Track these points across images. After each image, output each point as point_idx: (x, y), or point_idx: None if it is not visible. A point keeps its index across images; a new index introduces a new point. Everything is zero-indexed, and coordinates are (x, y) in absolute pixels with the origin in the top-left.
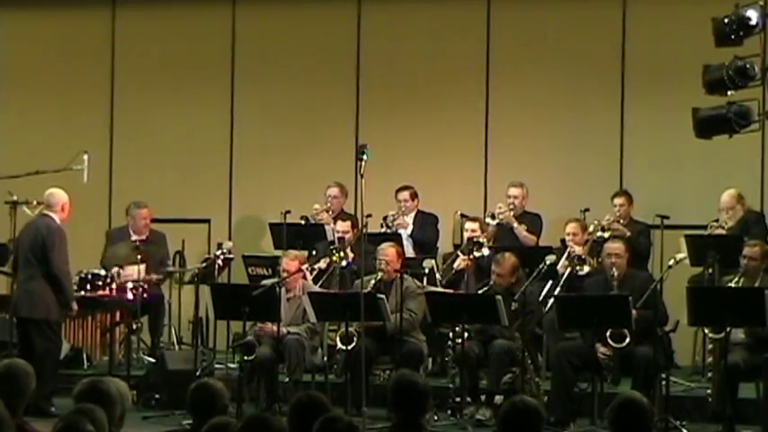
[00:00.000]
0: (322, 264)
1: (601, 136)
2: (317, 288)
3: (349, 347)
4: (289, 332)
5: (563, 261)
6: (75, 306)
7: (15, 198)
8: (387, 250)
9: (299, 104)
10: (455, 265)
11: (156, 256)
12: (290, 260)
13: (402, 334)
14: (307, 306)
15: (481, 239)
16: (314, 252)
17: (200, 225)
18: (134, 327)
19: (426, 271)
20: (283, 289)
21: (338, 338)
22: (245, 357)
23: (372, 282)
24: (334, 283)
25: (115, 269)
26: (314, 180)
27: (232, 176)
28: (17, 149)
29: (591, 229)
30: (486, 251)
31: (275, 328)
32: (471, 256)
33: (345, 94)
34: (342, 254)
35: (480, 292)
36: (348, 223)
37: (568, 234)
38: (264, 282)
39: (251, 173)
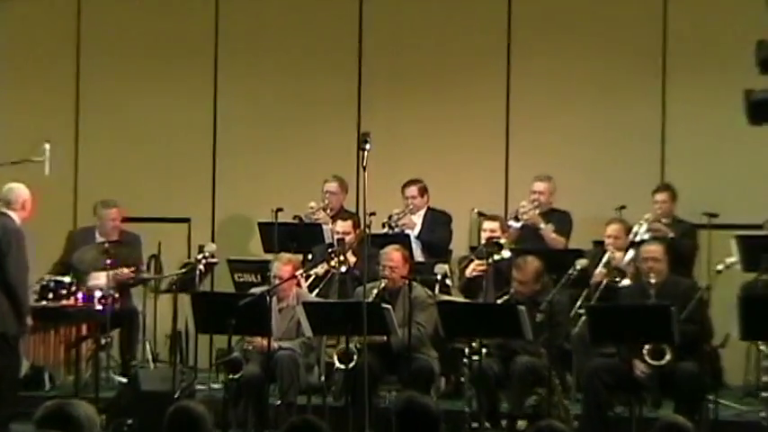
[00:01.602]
0: (319, 269)
1: (639, 124)
2: (312, 297)
3: (349, 365)
4: (281, 347)
5: (600, 268)
6: (29, 321)
7: None
8: (392, 254)
9: (293, 92)
10: (467, 272)
11: (129, 261)
12: (283, 265)
13: (410, 350)
14: (301, 318)
15: (501, 240)
16: (310, 256)
17: (179, 225)
18: (103, 342)
19: (438, 277)
20: (275, 298)
21: (337, 355)
22: (231, 376)
23: (376, 290)
24: (332, 292)
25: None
26: (309, 174)
27: (215, 170)
28: None
29: (636, 229)
30: (506, 253)
31: (265, 342)
32: (489, 260)
33: (345, 80)
34: (341, 258)
35: (500, 301)
36: (349, 223)
37: (609, 237)
38: (253, 290)
39: (237, 166)
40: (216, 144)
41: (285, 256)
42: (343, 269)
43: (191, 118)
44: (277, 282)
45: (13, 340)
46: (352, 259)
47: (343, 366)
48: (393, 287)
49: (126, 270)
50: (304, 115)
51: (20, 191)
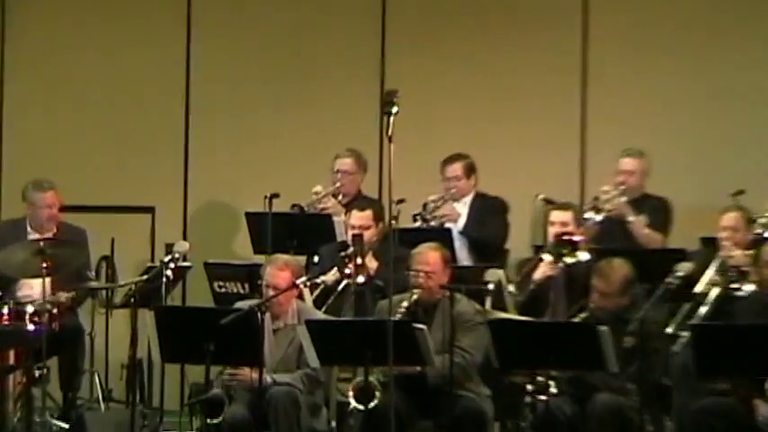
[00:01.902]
0: (328, 277)
1: (761, 82)
2: (319, 314)
3: (369, 406)
4: (275, 382)
5: (710, 273)
6: None
7: None
8: (426, 255)
9: (291, 38)
10: (536, 277)
11: (71, 265)
12: (278, 270)
13: (452, 385)
14: (304, 342)
15: (575, 237)
16: (315, 259)
17: (139, 216)
18: (37, 374)
19: (490, 287)
20: (268, 315)
21: (353, 392)
22: (209, 421)
23: (405, 304)
24: (346, 308)
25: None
26: (314, 148)
27: (188, 143)
28: None
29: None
30: (582, 255)
31: (255, 375)
32: (560, 264)
33: (364, 24)
34: (359, 262)
35: (575, 319)
36: (368, 213)
37: (725, 229)
38: (239, 304)
39: (217, 138)
40: (189, 108)
41: (281, 258)
42: (361, 279)
43: (155, 74)
44: (271, 293)
45: None
46: (372, 264)
47: (360, 407)
48: (428, 300)
49: (64, 295)
50: (307, 70)
51: None
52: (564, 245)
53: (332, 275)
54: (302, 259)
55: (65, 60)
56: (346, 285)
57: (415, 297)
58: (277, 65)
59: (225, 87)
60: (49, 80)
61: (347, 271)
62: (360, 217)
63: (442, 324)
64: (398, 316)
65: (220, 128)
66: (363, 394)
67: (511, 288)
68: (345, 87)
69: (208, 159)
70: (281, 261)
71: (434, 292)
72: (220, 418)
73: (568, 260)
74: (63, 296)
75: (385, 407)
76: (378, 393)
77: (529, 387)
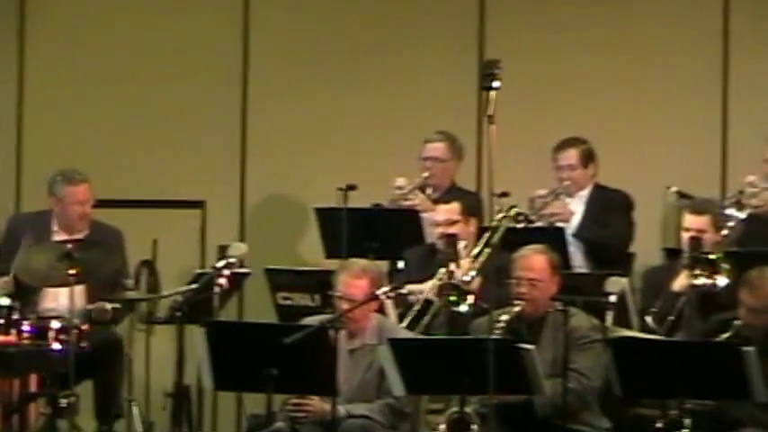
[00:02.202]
0: (418, 287)
1: None
2: (405, 332)
3: None
4: (349, 415)
5: None
6: None
7: None
8: (531, 260)
9: (370, 7)
10: (677, 287)
11: (104, 271)
12: (354, 278)
13: (565, 415)
14: (386, 365)
15: (712, 255)
16: (400, 264)
17: (187, 213)
18: (64, 403)
19: (612, 299)
20: (342, 333)
21: (446, 425)
22: None
23: (505, 318)
24: (436, 324)
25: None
26: (397, 132)
27: (245, 127)
28: None
29: None
30: (721, 281)
31: (326, 406)
32: (692, 281)
33: None
34: (452, 267)
35: (716, 339)
36: (454, 207)
37: None
38: (307, 320)
39: (279, 121)
40: (246, 85)
41: (358, 263)
42: (465, 308)
43: (206, 45)
44: (345, 306)
45: None
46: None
47: None
48: (533, 314)
49: (107, 305)
50: (390, 41)
51: None
52: (698, 263)
53: (425, 288)
54: (384, 265)
55: (95, 30)
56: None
57: (517, 310)
58: (353, 35)
59: (290, 61)
60: (77, 54)
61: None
62: (444, 211)
63: (552, 343)
64: (497, 334)
65: (284, 108)
66: (458, 428)
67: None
68: (437, 61)
69: (269, 145)
70: (358, 267)
71: (540, 305)
72: None
73: (700, 281)
74: (106, 306)
75: None
76: (475, 427)
77: (659, 424)
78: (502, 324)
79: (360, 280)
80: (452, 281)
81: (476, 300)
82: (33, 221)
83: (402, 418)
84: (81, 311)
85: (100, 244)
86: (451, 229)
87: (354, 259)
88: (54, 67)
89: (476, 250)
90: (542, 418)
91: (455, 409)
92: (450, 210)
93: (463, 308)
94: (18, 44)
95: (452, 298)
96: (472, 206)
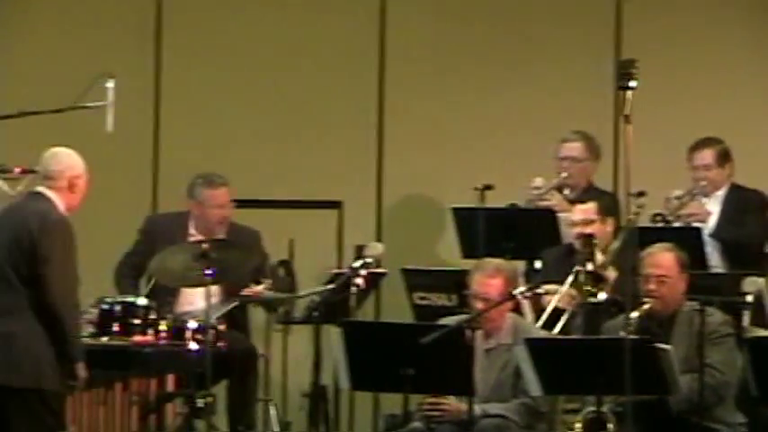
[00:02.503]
0: (554, 287)
1: None
2: (540, 331)
3: None
4: (485, 414)
5: None
6: (82, 371)
7: None
8: (659, 257)
9: (507, 5)
10: None
11: (242, 271)
12: (488, 277)
13: (700, 412)
14: (522, 365)
15: None
16: (537, 264)
17: (324, 213)
18: (200, 403)
19: (749, 299)
20: (479, 333)
21: (582, 425)
22: None
23: (635, 315)
24: (574, 327)
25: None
26: (534, 132)
27: (382, 127)
28: None
29: None
30: None
31: (463, 406)
32: None
33: None
34: (590, 267)
35: None
36: (591, 207)
37: None
38: (444, 320)
39: (416, 121)
40: (383, 85)
41: (492, 262)
42: (603, 296)
43: (343, 45)
44: (479, 305)
45: (55, 400)
46: (611, 274)
47: None
48: (663, 311)
49: (259, 287)
50: (526, 38)
51: (68, 161)
52: None
53: (562, 289)
54: (519, 265)
55: (231, 32)
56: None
57: (646, 308)
58: (490, 35)
59: (426, 61)
60: (213, 56)
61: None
62: (581, 210)
63: (683, 340)
64: (628, 332)
65: (421, 108)
66: (594, 427)
67: None
68: (573, 58)
69: (406, 145)
70: (492, 266)
71: (669, 302)
72: None
73: None
74: (258, 288)
75: None
76: (611, 426)
77: None
78: (632, 322)
79: (494, 279)
80: (589, 269)
81: (612, 292)
82: (170, 222)
83: (538, 418)
84: (222, 305)
85: (236, 244)
86: (588, 229)
87: (489, 258)
88: (190, 68)
89: (614, 245)
90: (677, 414)
91: (591, 408)
92: (587, 209)
93: (601, 296)
94: (155, 47)
95: (588, 287)
96: (609, 206)
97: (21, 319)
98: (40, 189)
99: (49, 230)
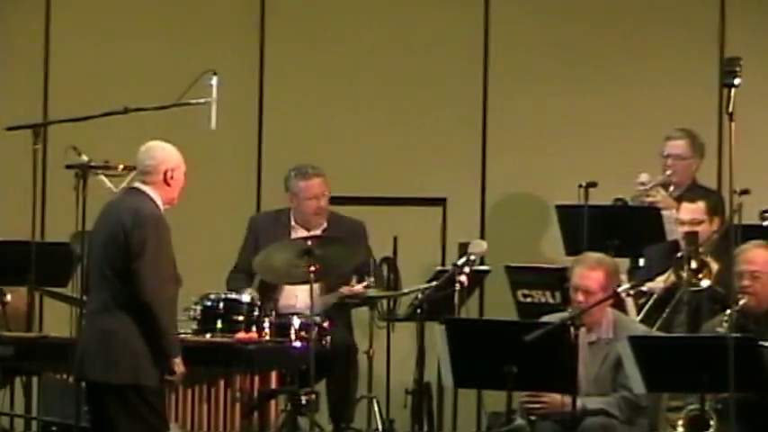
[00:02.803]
0: (657, 284)
1: None
2: (640, 326)
3: None
4: (586, 409)
5: None
6: (179, 366)
7: (85, 159)
8: (752, 253)
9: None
10: None
11: (345, 267)
12: (589, 270)
13: None
14: (626, 362)
15: None
16: (641, 261)
17: (428, 210)
18: (304, 400)
19: None
20: (583, 330)
21: (683, 423)
22: None
23: (730, 313)
24: (676, 324)
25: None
26: (637, 130)
27: (486, 123)
28: (90, 75)
29: None
30: None
31: (565, 399)
32: None
33: None
34: (693, 264)
35: None
36: (700, 206)
37: None
38: (546, 317)
39: (520, 118)
40: (486, 81)
41: (592, 255)
42: (706, 283)
43: (447, 41)
44: (579, 297)
45: (155, 397)
46: (713, 267)
47: None
48: (758, 308)
49: (359, 286)
50: (629, 35)
51: (161, 155)
52: None
53: (661, 282)
54: (624, 262)
55: (335, 26)
56: (680, 296)
57: (741, 303)
58: (594, 32)
59: (530, 58)
60: (317, 51)
61: (684, 274)
62: (690, 210)
63: None
64: (722, 329)
65: (525, 105)
66: (697, 425)
67: None
68: (677, 56)
69: (510, 142)
70: (593, 259)
71: (763, 298)
72: None
73: None
74: (356, 288)
75: None
76: (713, 423)
77: None
78: (727, 319)
79: (595, 271)
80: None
81: (714, 282)
82: (273, 220)
83: (639, 412)
84: (326, 300)
85: (340, 240)
86: (697, 229)
87: (588, 253)
88: (295, 64)
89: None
90: None
91: (694, 405)
92: (696, 209)
93: (704, 283)
94: (259, 43)
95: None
96: (716, 205)
97: (118, 316)
98: (137, 185)
99: (142, 225)
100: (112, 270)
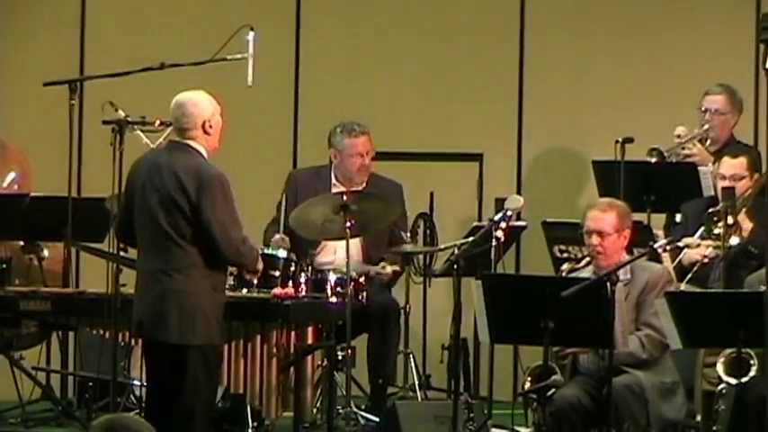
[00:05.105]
0: (692, 240)
1: None
2: (657, 266)
3: (742, 380)
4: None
5: None
6: (260, 264)
7: (122, 115)
8: None
9: None
10: None
11: (382, 224)
12: (602, 212)
13: None
14: (663, 318)
15: None
16: (677, 217)
17: (465, 165)
18: (340, 356)
19: None
20: (620, 286)
21: (724, 365)
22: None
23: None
24: (713, 278)
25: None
26: (675, 85)
27: (522, 78)
28: (127, 30)
29: None
30: None
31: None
32: None
33: None
34: (730, 220)
35: None
36: (741, 161)
37: None
38: (580, 273)
39: (556, 73)
40: (523, 35)
41: (604, 200)
42: (735, 240)
43: (485, 1)
44: (594, 240)
45: (216, 356)
46: (746, 225)
47: (733, 381)
48: None
49: (389, 267)
50: None
51: (197, 109)
52: None
53: (696, 238)
54: (660, 218)
55: None
56: (717, 254)
57: None
58: None
59: (567, 12)
60: (354, 6)
61: (716, 232)
62: (731, 165)
63: None
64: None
65: (561, 60)
66: (736, 367)
67: None
68: (713, 12)
69: (546, 97)
70: (605, 202)
71: None
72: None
73: None
74: (388, 268)
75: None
76: (753, 363)
77: None
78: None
79: (607, 213)
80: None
81: (748, 239)
82: (313, 176)
83: (662, 350)
84: (359, 266)
85: (376, 195)
86: (738, 185)
87: (602, 198)
88: (331, 18)
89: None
90: None
91: (732, 350)
92: (738, 164)
93: (733, 240)
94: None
95: (718, 231)
96: (756, 161)
97: (186, 276)
98: (178, 137)
99: (206, 188)
100: (176, 232)
